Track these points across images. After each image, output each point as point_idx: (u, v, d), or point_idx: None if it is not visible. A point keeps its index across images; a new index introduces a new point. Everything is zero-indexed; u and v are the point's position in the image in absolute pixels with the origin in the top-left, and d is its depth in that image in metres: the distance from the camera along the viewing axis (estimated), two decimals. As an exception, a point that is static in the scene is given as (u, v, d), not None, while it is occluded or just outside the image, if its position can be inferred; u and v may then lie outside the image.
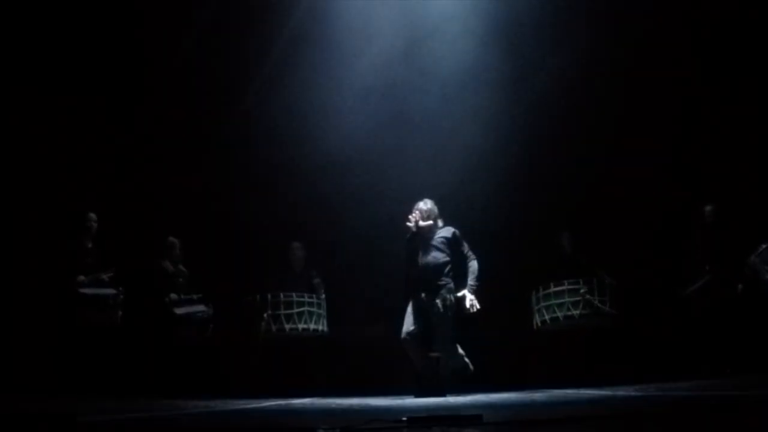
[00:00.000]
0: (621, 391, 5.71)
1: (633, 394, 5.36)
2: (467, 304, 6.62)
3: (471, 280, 6.75)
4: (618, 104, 8.88)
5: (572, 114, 8.95)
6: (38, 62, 8.34)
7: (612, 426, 3.20)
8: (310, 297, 8.11)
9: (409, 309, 6.84)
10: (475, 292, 6.69)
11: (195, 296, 8.18)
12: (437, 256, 6.82)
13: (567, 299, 7.84)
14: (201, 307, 8.12)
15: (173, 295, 8.07)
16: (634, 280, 8.47)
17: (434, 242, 6.85)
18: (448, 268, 6.82)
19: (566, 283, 7.89)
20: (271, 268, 8.70)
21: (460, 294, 6.71)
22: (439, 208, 7.01)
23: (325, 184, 9.19)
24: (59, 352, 7.42)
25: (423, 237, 6.84)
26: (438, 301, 6.68)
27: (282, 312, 7.87)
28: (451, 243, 6.86)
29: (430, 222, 6.85)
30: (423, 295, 6.77)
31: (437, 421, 3.63)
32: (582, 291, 7.79)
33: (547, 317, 8.05)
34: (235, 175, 9.32)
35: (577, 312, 7.78)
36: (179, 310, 7.98)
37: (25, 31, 8.24)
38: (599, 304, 7.80)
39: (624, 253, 8.68)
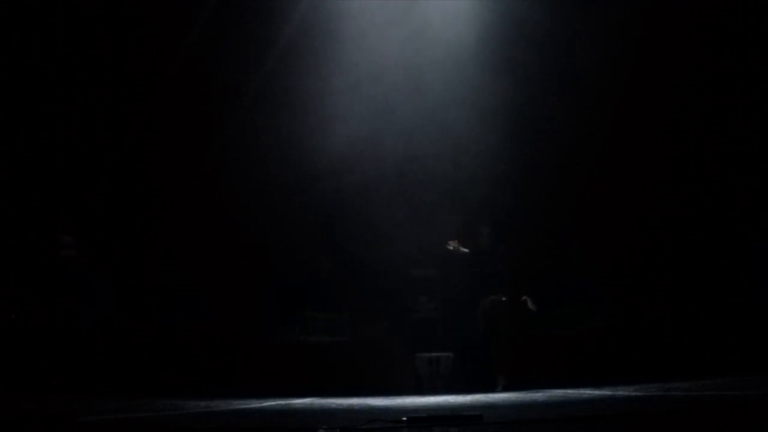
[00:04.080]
0: (621, 391, 5.71)
1: (633, 394, 5.36)
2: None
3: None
4: (619, 102, 8.87)
5: (573, 114, 8.95)
6: (38, 62, 8.35)
7: (612, 426, 3.19)
8: (331, 313, 9.09)
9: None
10: None
11: None
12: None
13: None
14: None
15: None
16: (635, 279, 8.48)
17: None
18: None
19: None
20: (298, 279, 9.29)
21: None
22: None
23: (325, 187, 9.19)
24: (59, 352, 7.44)
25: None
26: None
27: (308, 326, 8.97)
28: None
29: (466, 250, 8.11)
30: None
31: (437, 421, 3.63)
32: None
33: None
34: (238, 180, 9.34)
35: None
36: None
37: (26, 30, 8.25)
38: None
39: (625, 252, 8.69)
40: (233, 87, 9.21)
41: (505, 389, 7.58)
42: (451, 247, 8.10)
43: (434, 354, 8.47)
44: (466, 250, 8.14)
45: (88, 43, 8.57)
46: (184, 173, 9.04)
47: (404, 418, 3.71)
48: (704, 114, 8.68)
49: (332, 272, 9.28)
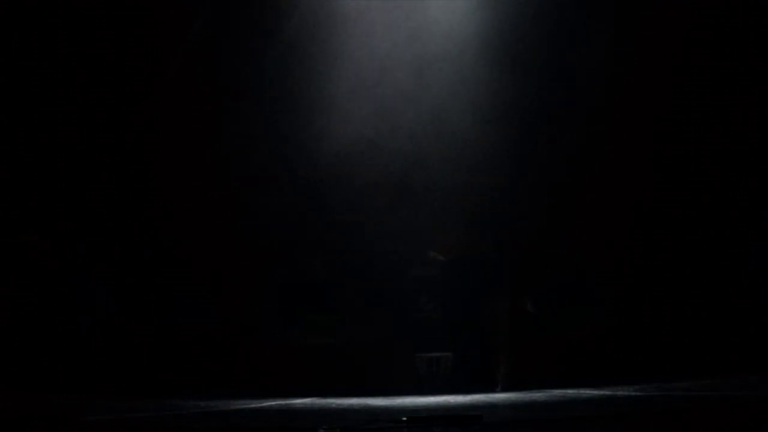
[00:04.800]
0: (621, 391, 5.71)
1: (633, 394, 5.36)
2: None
3: None
4: (619, 102, 8.86)
5: (574, 114, 8.94)
6: (38, 62, 8.35)
7: (612, 426, 3.20)
8: (329, 314, 9.03)
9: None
10: None
11: None
12: None
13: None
14: None
15: None
16: (635, 279, 8.48)
17: None
18: None
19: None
20: (298, 280, 9.27)
21: None
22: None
23: (326, 188, 9.18)
24: (59, 352, 7.44)
25: None
26: None
27: (309, 327, 8.93)
28: None
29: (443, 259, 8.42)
30: None
31: (437, 421, 3.64)
32: None
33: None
34: (239, 181, 9.33)
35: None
36: None
37: (26, 30, 8.25)
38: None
39: (625, 252, 8.69)
40: (234, 87, 9.20)
41: (505, 389, 7.59)
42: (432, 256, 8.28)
43: (434, 354, 8.45)
44: (443, 258, 8.19)
45: (88, 43, 8.56)
46: (184, 173, 9.03)
47: (404, 418, 3.71)
48: (704, 114, 8.67)
49: (333, 273, 9.26)
